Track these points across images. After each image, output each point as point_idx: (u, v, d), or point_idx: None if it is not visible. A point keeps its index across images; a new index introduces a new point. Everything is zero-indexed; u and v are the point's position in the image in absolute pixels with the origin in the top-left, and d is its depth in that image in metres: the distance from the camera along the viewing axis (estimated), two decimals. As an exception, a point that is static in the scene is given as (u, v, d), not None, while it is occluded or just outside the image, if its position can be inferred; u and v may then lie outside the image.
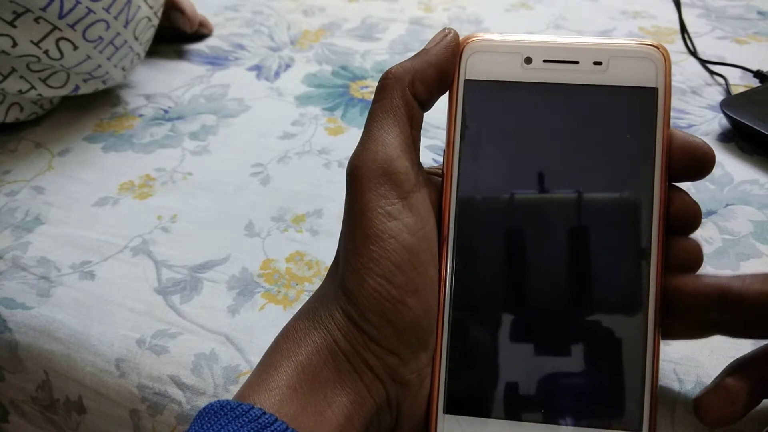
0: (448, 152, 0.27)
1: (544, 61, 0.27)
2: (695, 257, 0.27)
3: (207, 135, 0.55)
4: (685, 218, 0.26)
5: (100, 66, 0.54)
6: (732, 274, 0.38)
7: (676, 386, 0.32)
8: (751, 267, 0.39)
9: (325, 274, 0.30)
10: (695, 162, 0.26)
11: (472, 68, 0.27)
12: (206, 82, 0.62)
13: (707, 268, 0.39)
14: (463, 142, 0.27)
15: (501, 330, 0.26)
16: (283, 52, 0.67)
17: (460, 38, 0.28)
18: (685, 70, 0.60)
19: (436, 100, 0.28)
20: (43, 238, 0.45)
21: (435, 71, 0.27)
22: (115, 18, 0.52)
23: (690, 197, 0.26)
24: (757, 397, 0.27)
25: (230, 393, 0.34)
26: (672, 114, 0.27)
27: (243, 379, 0.35)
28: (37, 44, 0.49)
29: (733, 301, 0.25)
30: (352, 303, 0.25)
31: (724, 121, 0.51)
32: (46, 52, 0.50)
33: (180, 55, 0.67)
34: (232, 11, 0.76)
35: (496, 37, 0.27)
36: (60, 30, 0.49)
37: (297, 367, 0.25)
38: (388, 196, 0.25)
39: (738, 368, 0.27)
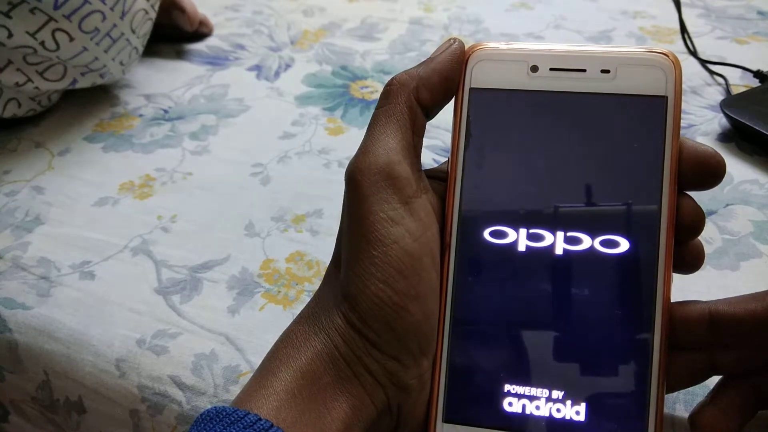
0: (452, 160, 0.27)
1: (551, 69, 0.26)
2: (697, 256, 0.26)
3: (207, 135, 0.55)
4: (690, 224, 0.26)
5: (97, 58, 0.54)
6: (731, 273, 0.39)
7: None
8: (751, 267, 0.39)
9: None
10: (707, 172, 0.25)
11: (478, 76, 0.27)
12: (206, 82, 0.62)
13: (707, 268, 0.39)
14: (467, 151, 0.27)
15: (502, 339, 0.26)
16: (283, 52, 0.67)
17: (466, 46, 0.27)
18: (685, 70, 0.59)
19: (440, 109, 0.28)
20: (43, 238, 0.45)
21: (440, 78, 0.27)
22: (111, 9, 0.52)
23: (695, 202, 0.26)
24: (752, 410, 0.26)
25: (230, 393, 0.34)
26: None
27: (243, 379, 0.35)
28: (32, 35, 0.49)
29: (723, 323, 0.25)
30: (353, 308, 0.25)
31: (724, 121, 0.51)
32: (42, 43, 0.50)
33: (180, 55, 0.67)
34: (232, 11, 0.76)
35: (502, 45, 0.27)
36: (56, 21, 0.49)
37: (296, 373, 0.24)
38: (390, 200, 0.25)
39: (731, 381, 0.26)
